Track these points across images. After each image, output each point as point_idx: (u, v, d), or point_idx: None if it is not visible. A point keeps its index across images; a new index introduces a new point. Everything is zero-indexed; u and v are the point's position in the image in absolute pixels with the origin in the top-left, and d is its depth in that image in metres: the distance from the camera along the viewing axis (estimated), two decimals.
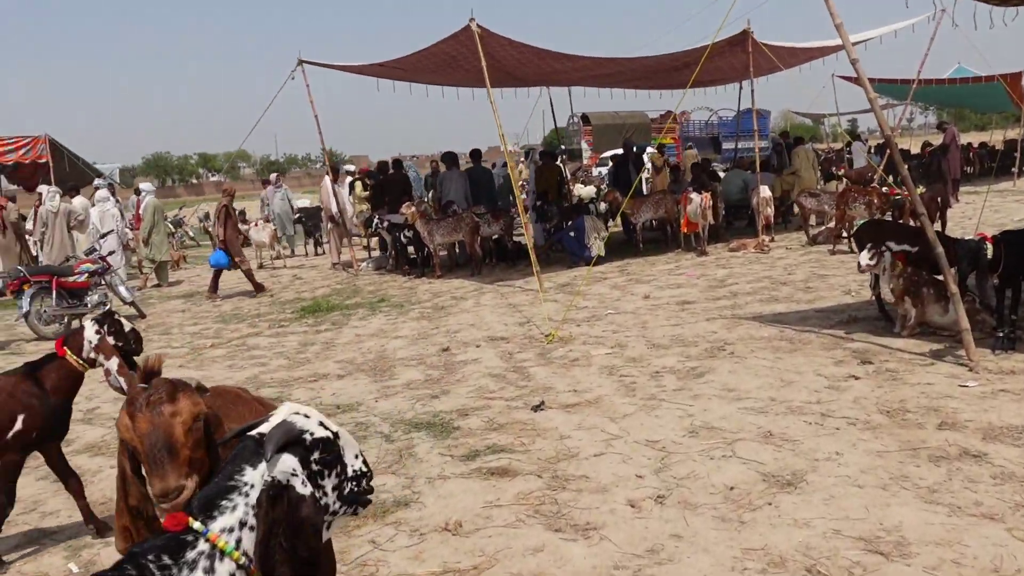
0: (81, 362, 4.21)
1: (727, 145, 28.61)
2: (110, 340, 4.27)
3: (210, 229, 19.80)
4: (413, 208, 13.12)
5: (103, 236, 13.03)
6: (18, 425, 4.01)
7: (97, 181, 15.65)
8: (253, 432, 2.02)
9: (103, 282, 11.66)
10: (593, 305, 9.84)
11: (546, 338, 8.11)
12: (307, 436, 2.01)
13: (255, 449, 1.96)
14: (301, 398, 6.80)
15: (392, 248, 14.65)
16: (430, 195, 15.41)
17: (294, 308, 11.51)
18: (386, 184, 15.15)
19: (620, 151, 17.81)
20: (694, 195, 13.20)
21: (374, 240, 15.96)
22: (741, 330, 7.82)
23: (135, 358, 4.53)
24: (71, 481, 4.38)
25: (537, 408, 5.92)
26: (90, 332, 4.26)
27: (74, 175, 19.47)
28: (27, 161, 19.93)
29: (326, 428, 2.06)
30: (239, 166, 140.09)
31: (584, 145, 35.65)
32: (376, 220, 14.39)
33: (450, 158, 14.73)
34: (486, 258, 14.10)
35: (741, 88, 18.55)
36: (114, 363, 4.25)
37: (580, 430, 5.41)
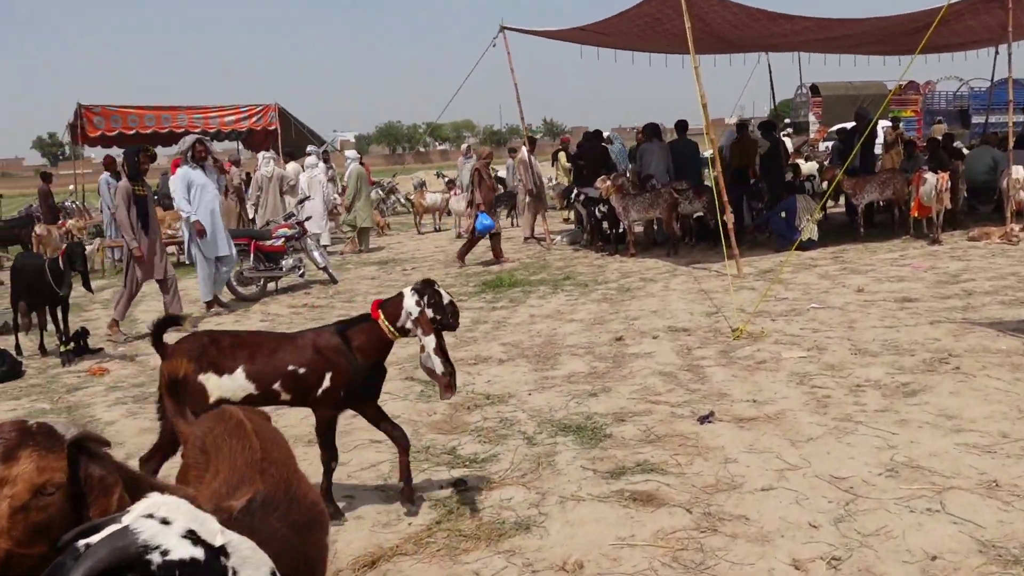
0: (393, 330, 3.95)
1: (977, 119, 25.39)
2: (429, 313, 3.89)
3: (417, 200, 20.04)
4: (608, 182, 12.41)
5: (300, 202, 13.37)
6: (326, 383, 3.90)
7: (309, 148, 16.16)
8: (80, 542, 1.32)
9: (299, 247, 11.94)
10: (795, 297, 8.71)
11: (733, 333, 7.19)
12: (153, 557, 1.29)
13: None
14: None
15: (587, 223, 14.04)
16: (629, 169, 14.59)
17: (478, 282, 11.20)
18: (584, 156, 14.51)
19: (851, 124, 16.06)
20: (929, 175, 11.51)
21: (573, 213, 15.44)
22: (972, 339, 6.51)
23: None
24: (396, 436, 4.16)
25: (704, 419, 5.10)
26: (410, 302, 3.92)
27: (300, 142, 20.34)
28: (258, 128, 21.17)
29: (199, 542, 1.34)
30: (464, 135, 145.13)
31: (812, 118, 33.11)
32: (573, 193, 13.83)
33: (651, 129, 13.83)
34: (685, 237, 13.15)
35: (997, 53, 16.13)
36: (431, 341, 3.83)
37: (751, 453, 4.55)
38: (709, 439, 4.81)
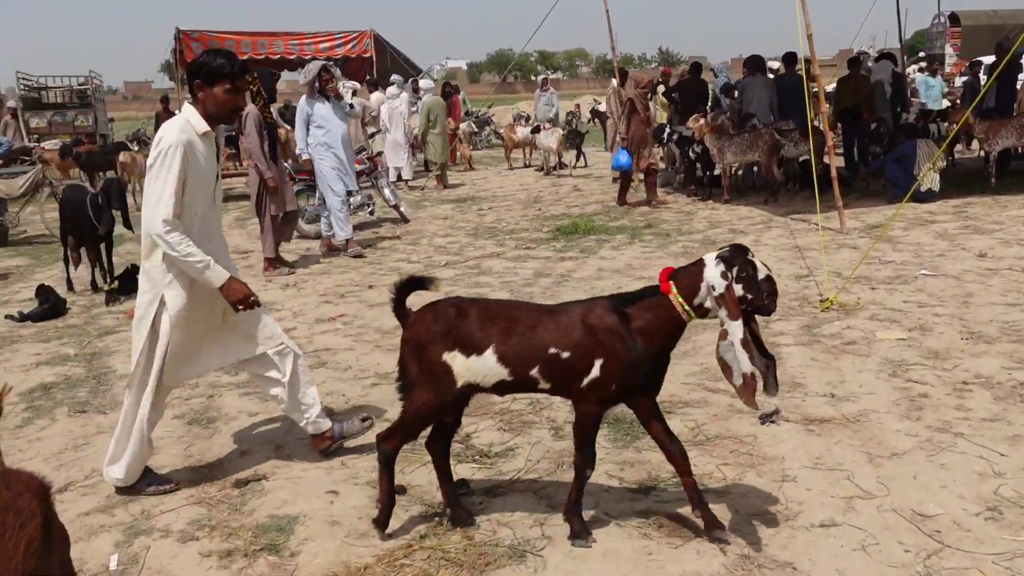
0: (688, 309, 3.04)
1: None
2: (738, 290, 2.99)
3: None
4: (702, 121, 11.32)
5: (372, 136, 12.80)
6: (595, 371, 3.07)
7: (393, 77, 15.53)
8: None
9: (369, 182, 11.42)
10: (902, 260, 7.61)
11: (821, 304, 6.24)
12: None
13: None
14: None
15: (680, 164, 12.99)
16: (728, 105, 13.36)
17: (552, 227, 10.43)
18: (680, 90, 13.36)
19: (990, 59, 14.26)
20: None
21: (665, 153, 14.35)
22: None
23: None
24: (672, 450, 3.23)
25: (767, 419, 4.28)
26: (713, 274, 2.98)
27: (395, 71, 19.80)
28: (353, 56, 20.70)
29: None
30: (577, 64, 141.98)
31: (949, 50, 30.27)
32: (667, 131, 12.77)
33: (754, 62, 12.53)
34: (788, 183, 11.96)
35: None
36: (738, 329, 2.93)
37: (816, 469, 3.73)
38: (768, 446, 4.00)
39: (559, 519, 3.39)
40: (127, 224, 7.69)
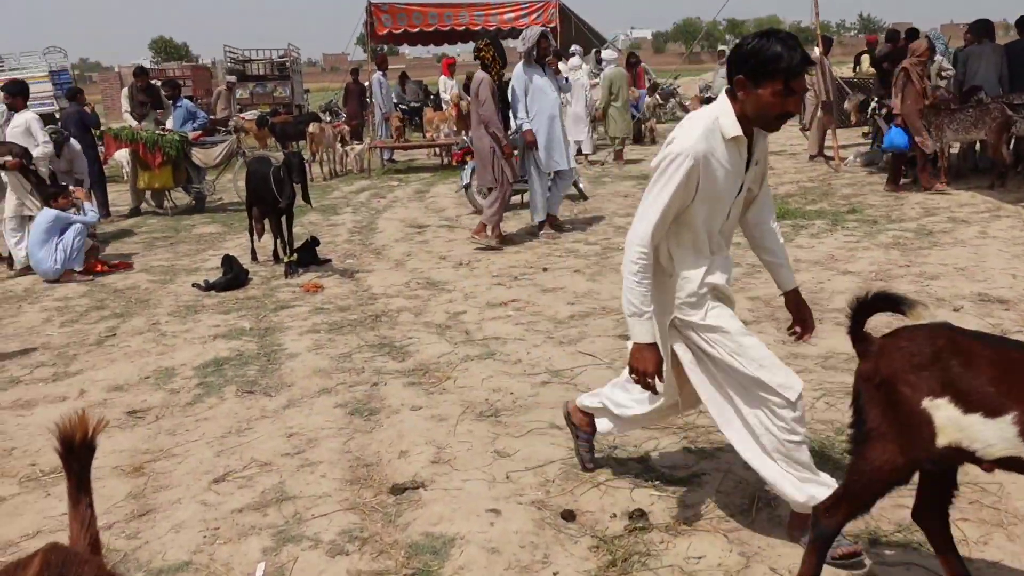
0: None
1: None
2: None
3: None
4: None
5: None
6: None
7: (573, 47, 15.03)
8: None
9: None
10: None
11: None
12: None
13: None
14: None
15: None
16: (948, 77, 11.90)
17: None
18: (890, 59, 12.04)
19: None
20: None
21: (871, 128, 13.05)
22: None
23: None
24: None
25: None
26: None
27: (579, 41, 19.35)
28: (538, 25, 20.39)
29: None
30: None
31: None
32: (873, 104, 11.56)
33: (981, 28, 11.01)
34: (1018, 166, 10.51)
35: None
36: None
37: None
38: (1020, 498, 3.26)
39: (757, 573, 2.85)
40: (306, 198, 7.68)
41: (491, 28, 20.88)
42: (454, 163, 10.63)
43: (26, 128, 8.44)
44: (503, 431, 4.14)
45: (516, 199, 9.75)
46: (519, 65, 8.55)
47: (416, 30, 19.69)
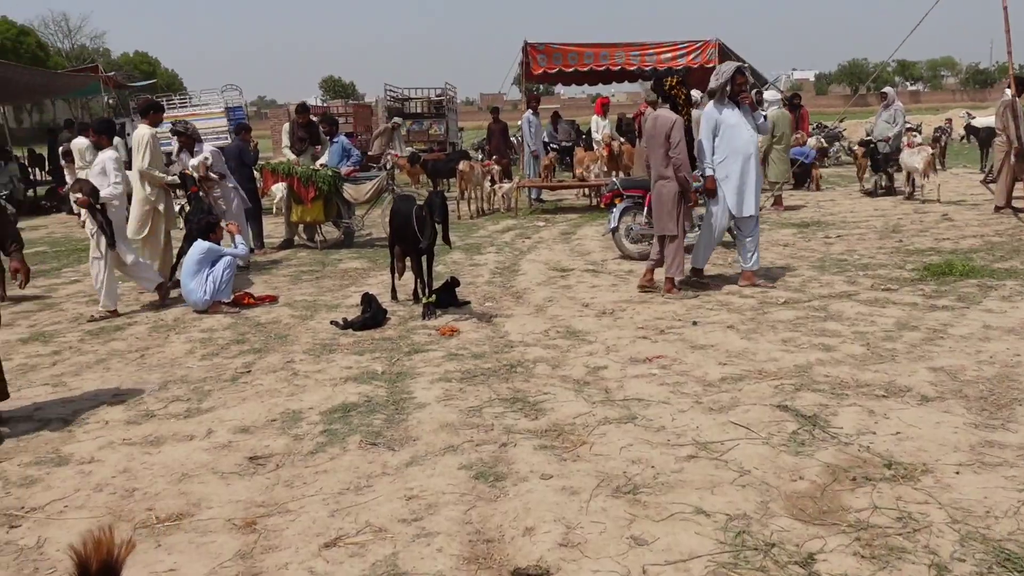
0: None
1: None
2: None
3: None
4: None
5: None
6: None
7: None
8: None
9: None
10: None
11: None
12: None
13: None
14: (843, 425, 4.54)
15: None
16: None
17: (917, 264, 8.76)
18: None
19: None
20: None
21: None
22: None
23: None
24: None
25: None
26: None
27: None
28: (695, 65, 19.92)
29: None
30: (942, 75, 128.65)
31: None
32: None
33: None
34: None
35: None
36: None
37: None
38: None
39: None
40: (446, 239, 7.47)
41: (647, 68, 20.63)
42: (602, 205, 10.26)
43: (102, 168, 8.13)
44: (642, 512, 3.67)
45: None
46: (709, 104, 8.08)
47: (571, 70, 19.68)
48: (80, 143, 15.20)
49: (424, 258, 7.57)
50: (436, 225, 7.24)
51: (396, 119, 21.96)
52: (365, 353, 6.44)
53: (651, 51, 19.80)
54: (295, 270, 10.15)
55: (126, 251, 8.17)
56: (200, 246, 8.09)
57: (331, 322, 7.36)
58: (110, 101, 35.53)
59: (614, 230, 9.71)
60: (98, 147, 8.48)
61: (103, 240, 7.84)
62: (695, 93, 13.96)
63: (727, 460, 4.17)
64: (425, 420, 4.91)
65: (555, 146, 22.26)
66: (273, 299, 8.49)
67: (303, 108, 12.45)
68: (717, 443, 4.40)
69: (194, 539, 3.59)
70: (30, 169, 20.93)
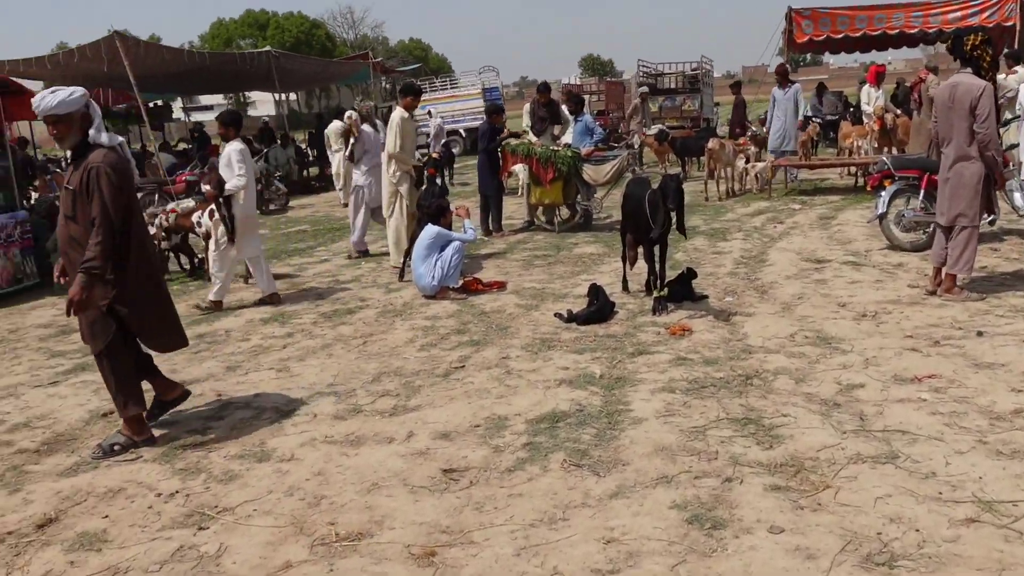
0: None
1: None
2: None
3: None
4: None
5: (1006, 123, 9.98)
6: None
7: None
8: None
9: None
10: None
11: None
12: None
13: None
14: None
15: None
16: None
17: None
18: None
19: None
20: None
21: None
22: None
23: None
24: None
25: None
26: None
27: None
28: (991, 24, 17.45)
29: None
30: None
31: None
32: None
33: None
34: None
35: None
36: None
37: None
38: None
39: None
40: (681, 227, 6.75)
41: (931, 30, 18.47)
42: (869, 188, 8.99)
43: (228, 160, 7.85)
44: None
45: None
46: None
47: (841, 36, 18.05)
48: (335, 127, 16.06)
49: (657, 247, 6.91)
50: (670, 212, 6.55)
51: (643, 88, 21.14)
52: (585, 352, 5.93)
53: (936, 10, 17.61)
54: (529, 254, 9.86)
55: (248, 246, 8.04)
56: (430, 231, 7.97)
57: (555, 314, 6.93)
58: (386, 86, 37.72)
59: (882, 216, 8.45)
60: (225, 139, 8.03)
61: (224, 233, 7.87)
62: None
63: (1021, 531, 3.22)
64: (639, 440, 4.31)
65: (819, 119, 20.48)
66: (502, 286, 8.22)
67: (543, 87, 12.11)
68: (1009, 503, 3.43)
69: (367, 567, 3.28)
70: (309, 151, 22.48)
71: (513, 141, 11.26)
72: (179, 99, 33.09)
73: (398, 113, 9.24)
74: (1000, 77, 12.06)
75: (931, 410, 4.47)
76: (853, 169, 14.10)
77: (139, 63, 16.17)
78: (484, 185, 11.39)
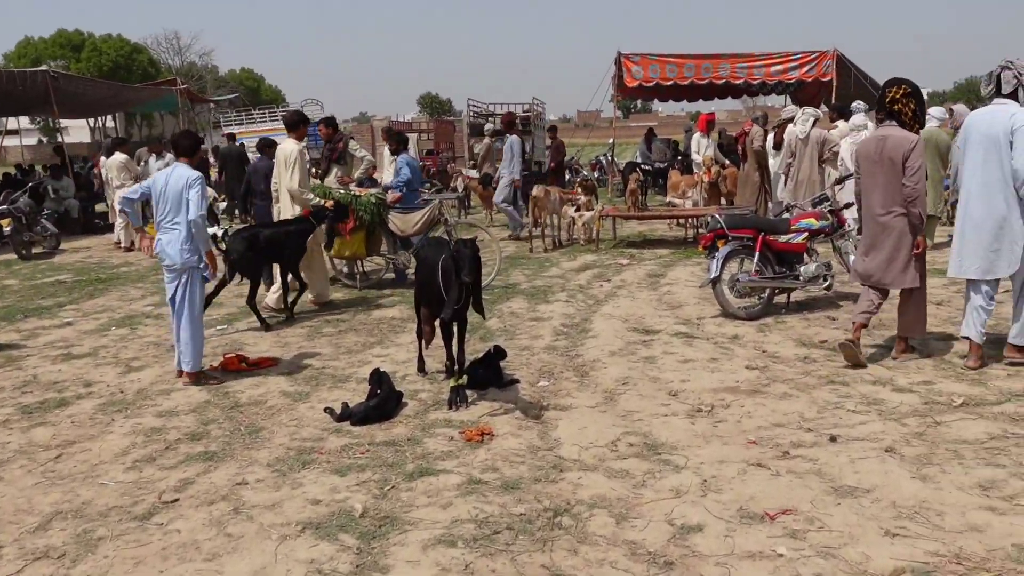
0: None
1: None
2: None
3: None
4: None
5: (840, 181, 9.49)
6: None
7: (855, 105, 12.04)
8: None
9: (836, 246, 8.31)
10: None
11: None
12: None
13: None
14: None
15: None
16: None
17: None
18: None
19: None
20: None
21: None
22: None
23: None
24: None
25: None
26: None
27: (861, 96, 16.36)
28: (810, 79, 17.70)
29: None
30: None
31: None
32: None
33: None
34: None
35: None
36: None
37: None
38: None
39: None
40: (478, 307, 5.46)
41: (755, 82, 18.67)
42: (700, 248, 8.11)
43: None
44: None
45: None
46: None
47: (669, 83, 17.90)
48: (117, 160, 14.10)
49: (455, 324, 5.59)
50: (466, 286, 5.25)
51: (489, 125, 19.95)
52: (350, 471, 4.48)
53: (759, 62, 17.65)
54: (320, 319, 8.33)
55: None
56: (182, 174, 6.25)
57: (325, 409, 5.46)
58: (216, 115, 34.85)
59: (715, 280, 7.54)
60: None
61: None
62: (807, 111, 11.64)
63: None
64: None
65: (647, 167, 20.11)
66: (272, 363, 6.67)
67: (327, 121, 10.67)
68: None
69: None
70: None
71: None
72: None
73: (293, 145, 8.46)
74: (840, 127, 11.69)
75: (791, 572, 3.32)
76: (682, 220, 13.46)
77: None
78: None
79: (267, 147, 9.98)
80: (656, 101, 21.47)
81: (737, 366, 6.21)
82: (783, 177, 11.61)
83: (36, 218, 14.19)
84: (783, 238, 7.75)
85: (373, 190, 9.82)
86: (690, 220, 12.98)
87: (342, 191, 9.53)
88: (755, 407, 5.30)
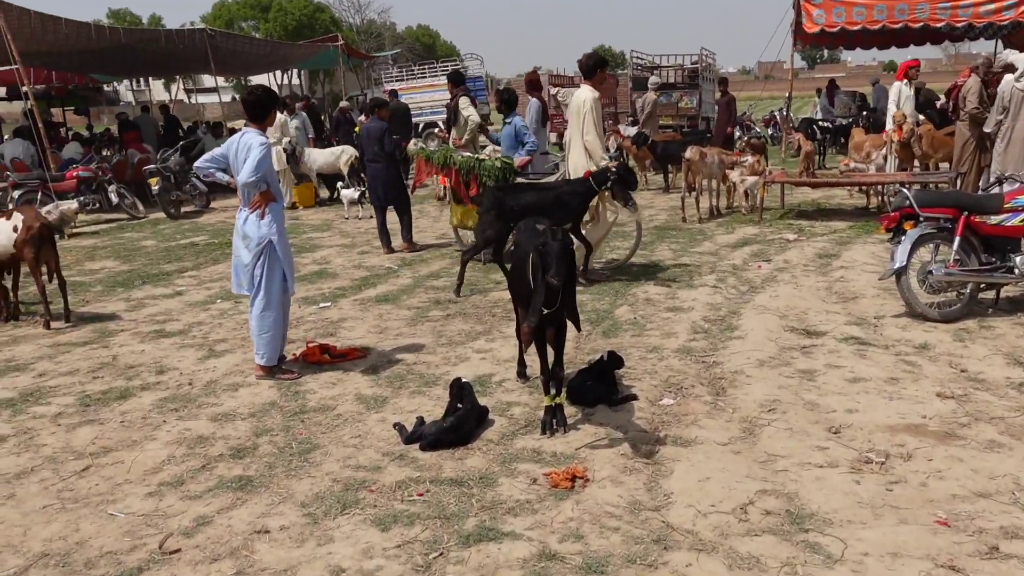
0: None
1: None
2: None
3: None
4: None
5: None
6: None
7: None
8: None
9: None
10: None
11: None
12: None
13: None
14: None
15: None
16: None
17: None
18: None
19: None
20: None
21: None
22: None
23: None
24: None
25: None
26: None
27: None
28: None
29: None
30: None
31: None
32: None
33: None
34: None
35: None
36: None
37: None
38: None
39: None
40: (573, 315, 4.33)
41: (959, 24, 16.04)
42: (884, 230, 6.52)
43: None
44: None
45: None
46: None
47: (857, 27, 15.55)
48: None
49: (550, 330, 4.50)
50: (554, 288, 4.13)
51: (654, 79, 18.29)
52: (396, 525, 3.53)
53: (965, 1, 15.05)
54: (429, 296, 7.48)
55: None
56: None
57: (394, 425, 4.55)
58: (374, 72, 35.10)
59: (900, 271, 6.02)
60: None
61: None
62: (1018, 57, 9.52)
63: None
64: None
65: (828, 123, 17.99)
66: (359, 355, 5.86)
67: (450, 77, 9.64)
68: None
69: None
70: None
71: (414, 146, 8.87)
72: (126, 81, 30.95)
73: (588, 93, 7.44)
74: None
75: None
76: (865, 188, 11.64)
77: (33, 38, 13.84)
78: (386, 194, 9.12)
79: (377, 107, 9.16)
80: (842, 49, 19.10)
81: (925, 392, 4.77)
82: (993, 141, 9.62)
83: (186, 176, 14.21)
84: (993, 219, 6.10)
85: (498, 153, 8.81)
86: (875, 187, 11.17)
87: (464, 155, 8.59)
88: (948, 461, 3.91)
